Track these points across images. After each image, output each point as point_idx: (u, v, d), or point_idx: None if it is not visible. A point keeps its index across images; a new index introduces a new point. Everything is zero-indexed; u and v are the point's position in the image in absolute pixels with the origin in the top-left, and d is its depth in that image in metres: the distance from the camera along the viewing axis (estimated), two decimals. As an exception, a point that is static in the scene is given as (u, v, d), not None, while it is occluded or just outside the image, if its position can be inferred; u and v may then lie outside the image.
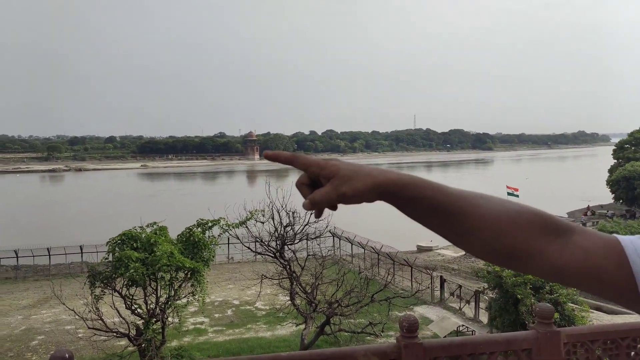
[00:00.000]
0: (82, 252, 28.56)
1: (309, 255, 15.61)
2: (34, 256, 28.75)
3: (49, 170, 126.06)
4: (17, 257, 28.75)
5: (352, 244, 28.85)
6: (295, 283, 13.73)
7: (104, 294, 13.03)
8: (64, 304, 12.84)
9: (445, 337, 15.13)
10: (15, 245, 29.14)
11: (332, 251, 24.35)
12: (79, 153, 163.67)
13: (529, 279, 13.41)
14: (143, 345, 12.51)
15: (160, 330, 13.03)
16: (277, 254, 14.35)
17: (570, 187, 68.62)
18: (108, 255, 13.73)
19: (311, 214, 12.93)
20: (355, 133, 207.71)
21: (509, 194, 32.56)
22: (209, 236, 14.65)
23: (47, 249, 28.20)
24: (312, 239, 15.95)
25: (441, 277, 22.35)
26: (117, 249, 13.48)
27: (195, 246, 14.18)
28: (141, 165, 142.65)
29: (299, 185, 0.84)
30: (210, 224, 14.63)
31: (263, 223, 14.88)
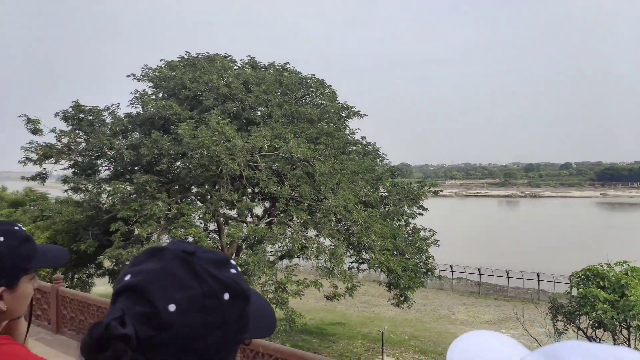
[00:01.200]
0: (538, 280, 28.82)
1: None
2: (493, 275, 31.16)
3: (505, 196, 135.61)
4: (480, 274, 31.96)
5: None
6: None
7: (566, 329, 12.50)
8: (526, 330, 13.15)
9: None
10: (478, 263, 32.53)
11: None
12: (534, 180, 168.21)
13: None
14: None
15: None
16: None
17: None
18: (570, 289, 13.20)
19: None
20: None
21: None
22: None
23: (506, 271, 29.95)
24: None
25: None
26: (580, 284, 12.78)
27: (681, 297, 11.57)
28: (600, 194, 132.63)
29: None
30: None
31: None
